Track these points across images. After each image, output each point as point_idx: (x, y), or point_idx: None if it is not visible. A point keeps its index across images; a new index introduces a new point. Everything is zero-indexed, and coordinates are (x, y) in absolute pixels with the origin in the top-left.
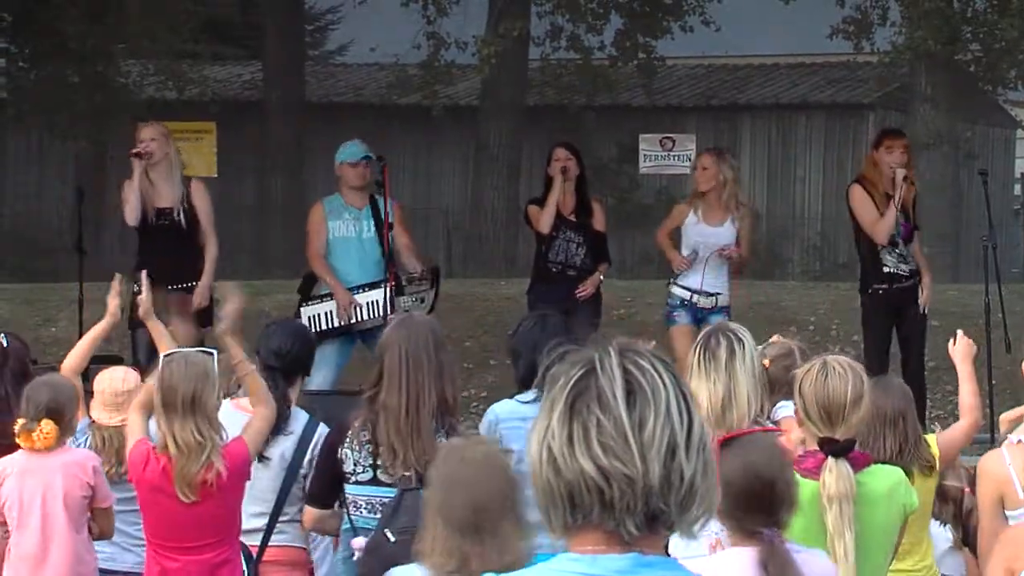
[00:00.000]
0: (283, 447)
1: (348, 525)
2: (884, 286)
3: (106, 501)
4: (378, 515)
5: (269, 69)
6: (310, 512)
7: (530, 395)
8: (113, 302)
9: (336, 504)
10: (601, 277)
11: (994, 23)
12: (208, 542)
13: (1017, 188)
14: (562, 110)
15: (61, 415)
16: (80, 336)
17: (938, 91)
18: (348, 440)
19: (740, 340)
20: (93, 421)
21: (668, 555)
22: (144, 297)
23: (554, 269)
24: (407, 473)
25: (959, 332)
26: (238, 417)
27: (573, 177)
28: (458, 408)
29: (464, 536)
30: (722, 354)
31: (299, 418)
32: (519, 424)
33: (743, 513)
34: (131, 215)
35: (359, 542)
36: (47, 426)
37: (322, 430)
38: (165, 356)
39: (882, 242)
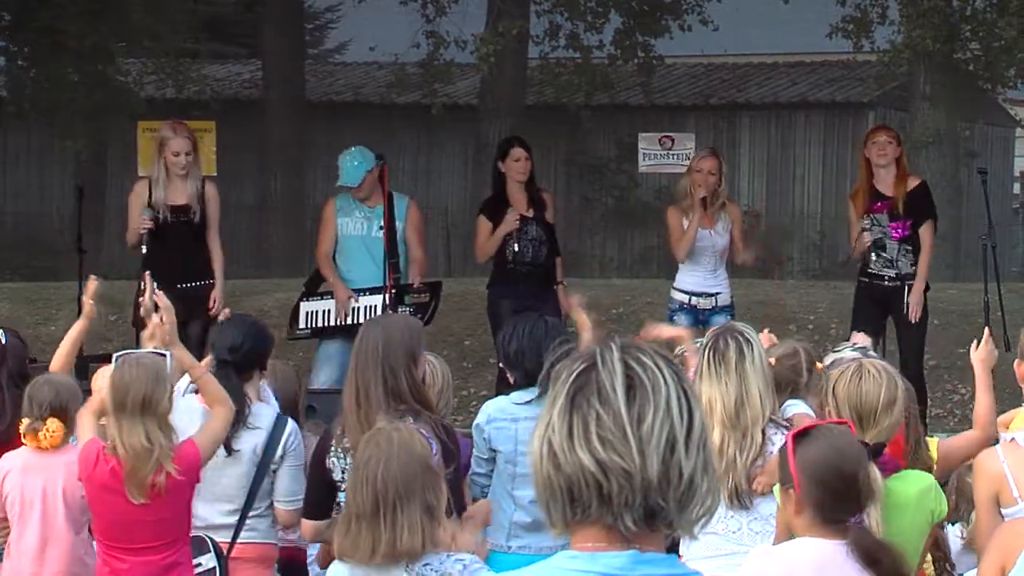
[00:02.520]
0: (253, 442)
1: None
2: (865, 280)
3: None
4: None
5: (269, 68)
6: (308, 525)
7: (527, 395)
8: (88, 303)
9: (334, 513)
10: (564, 283)
11: (993, 22)
12: (157, 544)
13: (1016, 187)
14: (561, 109)
15: (66, 412)
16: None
17: (937, 90)
18: (333, 448)
19: (748, 341)
20: None
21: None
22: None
23: (522, 270)
24: None
25: (986, 332)
26: (201, 411)
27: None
28: (420, 395)
29: (366, 520)
30: (732, 356)
31: (265, 413)
32: (508, 424)
33: (831, 501)
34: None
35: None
36: (53, 424)
37: (292, 426)
38: (118, 357)
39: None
